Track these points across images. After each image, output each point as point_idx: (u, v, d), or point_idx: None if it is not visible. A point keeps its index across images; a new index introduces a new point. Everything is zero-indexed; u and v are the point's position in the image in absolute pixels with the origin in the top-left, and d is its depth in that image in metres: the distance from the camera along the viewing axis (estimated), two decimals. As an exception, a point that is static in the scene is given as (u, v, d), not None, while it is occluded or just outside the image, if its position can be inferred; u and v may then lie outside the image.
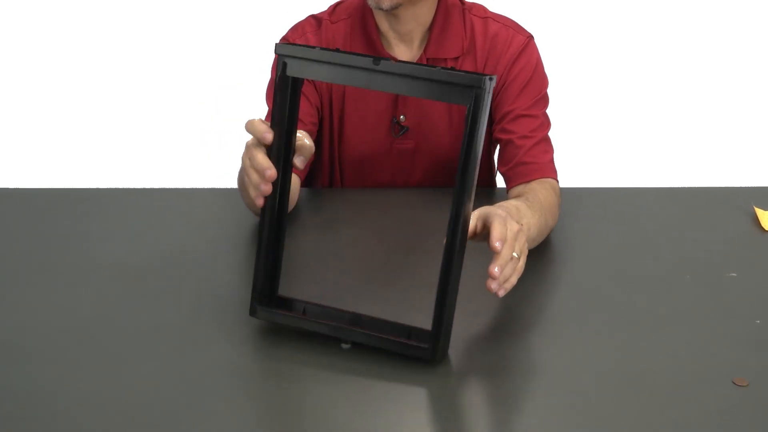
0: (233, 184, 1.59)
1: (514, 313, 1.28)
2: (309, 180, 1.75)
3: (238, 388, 1.15)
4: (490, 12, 1.67)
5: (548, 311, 1.32)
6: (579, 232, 1.55)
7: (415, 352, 1.16)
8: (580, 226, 1.56)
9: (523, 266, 1.23)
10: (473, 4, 1.67)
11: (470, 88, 1.07)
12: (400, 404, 1.11)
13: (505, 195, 1.59)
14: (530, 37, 1.65)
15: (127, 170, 3.27)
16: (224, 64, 4.02)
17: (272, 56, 1.65)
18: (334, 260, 1.46)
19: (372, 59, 1.12)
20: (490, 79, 1.06)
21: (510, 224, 1.20)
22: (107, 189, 1.71)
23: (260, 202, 1.19)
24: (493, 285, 1.18)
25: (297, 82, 1.18)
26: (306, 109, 1.61)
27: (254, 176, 1.18)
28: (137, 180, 3.14)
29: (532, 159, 1.56)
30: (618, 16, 4.52)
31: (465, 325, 1.25)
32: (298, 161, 1.22)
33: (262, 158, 1.16)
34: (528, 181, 1.54)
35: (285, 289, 1.25)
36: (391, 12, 1.55)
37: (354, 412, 1.08)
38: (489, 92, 1.07)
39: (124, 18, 4.46)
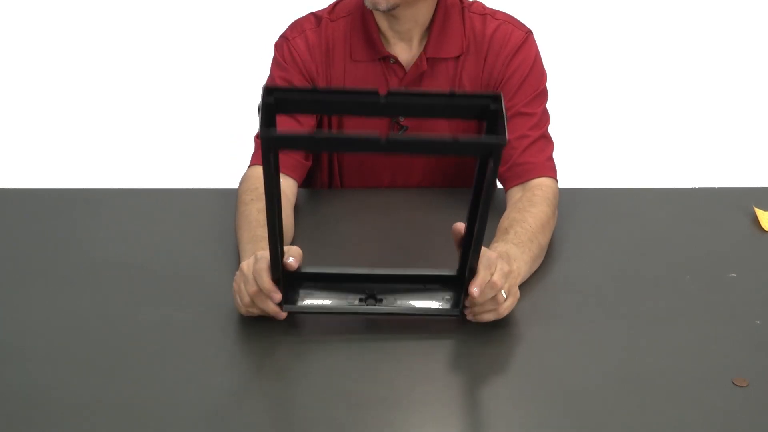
0: (233, 184, 1.59)
1: (514, 313, 1.27)
2: (309, 180, 1.74)
3: (242, 388, 1.15)
4: (489, 8, 1.67)
5: (548, 311, 1.32)
6: (579, 232, 1.54)
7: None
8: (580, 226, 1.56)
9: (508, 309, 1.25)
10: (472, 1, 1.67)
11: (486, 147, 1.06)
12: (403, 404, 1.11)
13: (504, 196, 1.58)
14: (529, 33, 1.65)
15: (126, 171, 3.27)
16: (223, 63, 4.02)
17: (271, 55, 1.66)
18: (334, 261, 1.46)
19: (375, 93, 1.07)
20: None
21: (501, 263, 1.23)
22: (106, 189, 1.71)
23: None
24: (466, 303, 1.21)
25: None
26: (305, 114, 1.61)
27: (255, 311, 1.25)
28: (136, 180, 3.14)
29: (528, 159, 1.56)
30: (618, 15, 4.52)
31: (465, 325, 1.25)
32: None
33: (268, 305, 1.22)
34: (524, 182, 1.54)
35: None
36: (390, 12, 1.55)
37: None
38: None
39: (122, 18, 4.45)
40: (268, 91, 1.07)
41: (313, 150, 1.11)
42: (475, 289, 1.18)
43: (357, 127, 1.68)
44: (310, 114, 1.57)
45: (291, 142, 1.12)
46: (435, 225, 1.29)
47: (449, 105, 1.08)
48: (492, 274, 1.20)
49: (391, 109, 1.08)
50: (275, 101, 1.06)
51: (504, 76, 1.62)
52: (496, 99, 1.07)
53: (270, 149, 1.05)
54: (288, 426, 1.09)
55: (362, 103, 1.08)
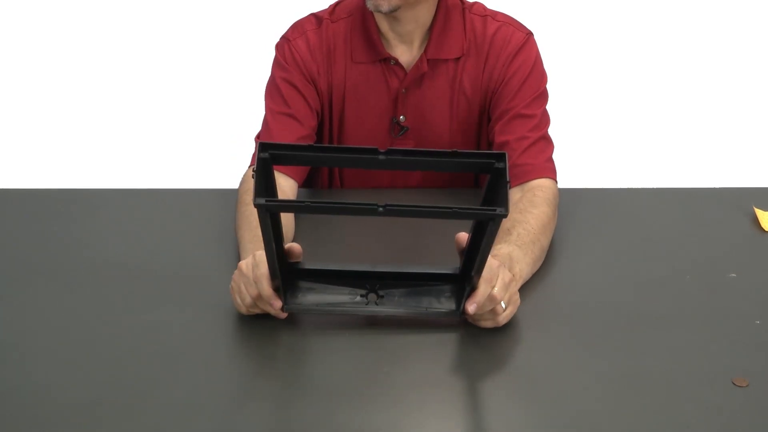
0: (233, 184, 1.59)
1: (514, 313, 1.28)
2: (309, 181, 1.75)
3: (242, 388, 1.15)
4: (490, 10, 1.67)
5: (548, 311, 1.32)
6: (579, 232, 1.54)
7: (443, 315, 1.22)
8: (580, 226, 1.56)
9: (507, 318, 1.25)
10: (473, 2, 1.67)
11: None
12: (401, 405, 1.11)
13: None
14: (529, 34, 1.65)
15: (126, 171, 3.27)
16: (224, 63, 4.02)
17: (272, 55, 1.66)
18: (334, 261, 1.46)
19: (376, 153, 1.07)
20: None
21: (503, 273, 1.22)
22: (106, 189, 1.71)
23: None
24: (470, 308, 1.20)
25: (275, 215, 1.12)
26: (306, 113, 1.61)
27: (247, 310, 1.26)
28: (136, 180, 3.14)
29: (528, 160, 1.56)
30: (618, 15, 4.52)
31: (465, 324, 1.25)
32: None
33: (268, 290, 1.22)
34: (523, 183, 1.54)
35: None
36: (391, 14, 1.55)
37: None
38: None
39: (122, 18, 4.46)
40: (264, 146, 1.05)
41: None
42: (471, 307, 1.19)
43: (358, 131, 1.68)
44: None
45: (285, 208, 1.12)
46: (435, 226, 1.28)
47: (452, 162, 1.07)
48: (493, 287, 1.20)
49: (390, 164, 1.07)
50: (271, 156, 1.06)
51: (504, 78, 1.62)
52: (501, 158, 1.07)
53: (267, 212, 1.05)
54: (288, 426, 1.09)
55: (361, 159, 1.08)
